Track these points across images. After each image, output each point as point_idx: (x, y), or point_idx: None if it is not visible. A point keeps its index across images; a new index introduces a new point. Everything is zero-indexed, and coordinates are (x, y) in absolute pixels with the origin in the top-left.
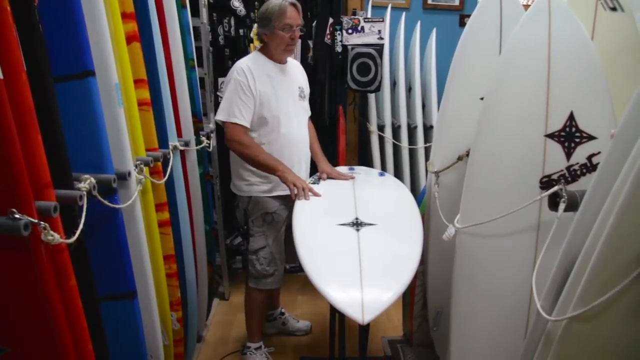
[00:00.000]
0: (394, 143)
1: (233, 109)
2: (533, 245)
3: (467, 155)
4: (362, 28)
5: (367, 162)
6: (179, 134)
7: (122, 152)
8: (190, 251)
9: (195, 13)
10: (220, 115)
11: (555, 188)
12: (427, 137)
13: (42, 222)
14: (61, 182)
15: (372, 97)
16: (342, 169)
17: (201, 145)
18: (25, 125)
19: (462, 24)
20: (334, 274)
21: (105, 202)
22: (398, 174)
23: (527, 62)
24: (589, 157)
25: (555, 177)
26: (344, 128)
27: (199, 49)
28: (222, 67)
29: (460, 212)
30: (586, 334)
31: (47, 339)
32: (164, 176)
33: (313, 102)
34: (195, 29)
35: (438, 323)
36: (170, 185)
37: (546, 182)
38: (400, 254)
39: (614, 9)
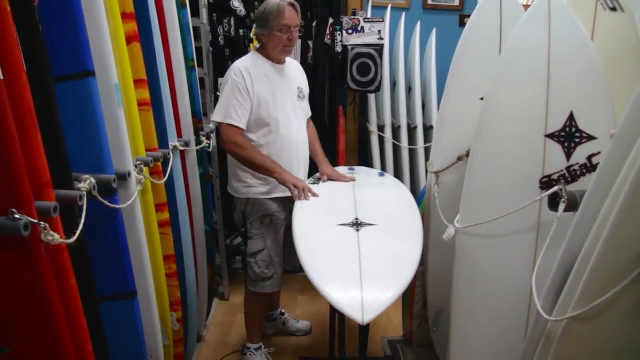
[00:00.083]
0: (393, 143)
1: (229, 109)
2: (533, 245)
3: (467, 155)
4: (362, 28)
5: (366, 162)
6: (179, 134)
7: (122, 152)
8: (190, 251)
9: (195, 13)
10: (216, 116)
11: (555, 188)
12: (427, 137)
13: (42, 222)
14: (61, 182)
15: (371, 97)
16: (342, 169)
17: (201, 146)
18: (25, 125)
19: (462, 24)
20: (334, 274)
21: (105, 202)
22: (398, 174)
23: (527, 62)
24: (589, 157)
25: (555, 177)
26: (343, 128)
27: (198, 49)
28: (221, 67)
29: (460, 212)
30: (586, 334)
31: (46, 339)
32: (164, 176)
33: (313, 102)
34: (195, 29)
35: (438, 323)
36: (170, 185)
37: (546, 182)
38: (400, 254)
39: (613, 9)
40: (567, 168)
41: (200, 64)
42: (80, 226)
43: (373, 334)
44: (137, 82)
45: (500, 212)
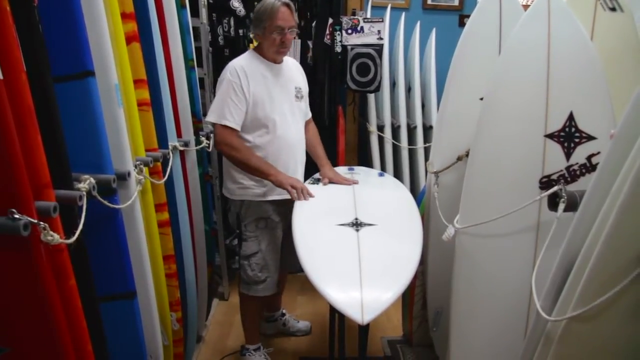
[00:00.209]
0: (393, 143)
1: (224, 110)
2: (533, 246)
3: (467, 155)
4: (362, 28)
5: (366, 162)
6: (179, 134)
7: (122, 152)
8: (190, 251)
9: (195, 13)
10: (211, 117)
11: (555, 188)
12: (427, 138)
13: (41, 222)
14: (61, 182)
15: (371, 98)
16: (342, 169)
17: (201, 146)
18: (25, 125)
19: (462, 24)
20: (334, 274)
21: (105, 202)
22: (397, 174)
23: (527, 63)
24: (589, 157)
25: (554, 177)
26: (343, 128)
27: (198, 49)
28: (221, 68)
29: (459, 212)
30: (586, 334)
31: (46, 339)
32: (164, 176)
33: (312, 102)
34: (195, 29)
35: (438, 323)
36: (169, 185)
37: (546, 182)
38: (400, 254)
39: (613, 9)
40: (567, 168)
41: (200, 64)
42: (80, 226)
43: (373, 334)
44: (136, 82)
45: (500, 212)
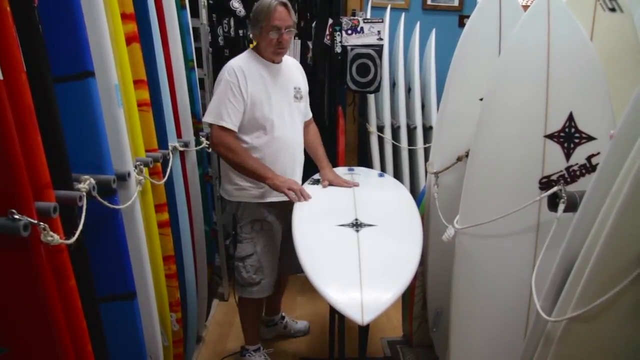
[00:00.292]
0: (393, 144)
1: (221, 111)
2: (532, 246)
3: (467, 156)
4: (362, 29)
5: (366, 162)
6: (179, 135)
7: (122, 152)
8: (190, 252)
9: (195, 14)
10: (209, 118)
11: (555, 189)
12: (427, 138)
13: (41, 223)
14: (61, 182)
15: (371, 98)
16: (341, 170)
17: (201, 146)
18: (25, 125)
19: (462, 25)
20: (334, 275)
21: (105, 202)
22: (397, 175)
23: (527, 63)
24: (589, 158)
25: (554, 177)
26: (343, 129)
27: (198, 50)
28: (221, 68)
29: (459, 213)
30: (586, 335)
31: (46, 340)
32: (164, 177)
33: (312, 102)
34: (195, 29)
35: (438, 324)
36: (169, 186)
37: (546, 183)
38: (400, 255)
39: (613, 9)
40: (567, 169)
41: (200, 65)
42: (80, 227)
43: (373, 335)
44: (136, 82)
45: (500, 213)
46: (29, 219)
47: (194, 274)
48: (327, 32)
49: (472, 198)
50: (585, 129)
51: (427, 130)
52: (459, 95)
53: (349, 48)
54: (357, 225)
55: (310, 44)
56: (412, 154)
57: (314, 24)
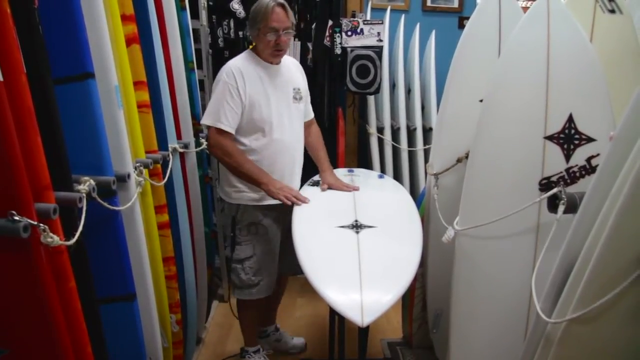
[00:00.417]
0: (393, 145)
1: (219, 113)
2: (532, 247)
3: (467, 157)
4: (362, 30)
5: (366, 164)
6: (179, 136)
7: (122, 154)
8: (190, 253)
9: (195, 15)
10: (207, 120)
11: (555, 190)
12: (427, 139)
13: (41, 224)
14: (61, 184)
15: (371, 99)
16: (341, 171)
17: (200, 148)
18: (25, 127)
19: (461, 26)
20: (334, 276)
21: (105, 204)
22: (397, 176)
23: (526, 64)
24: (588, 159)
25: (554, 179)
26: (343, 130)
27: (198, 51)
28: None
29: (459, 214)
30: (586, 336)
31: (46, 341)
32: (164, 178)
33: (312, 103)
34: (195, 31)
35: (437, 325)
36: (169, 187)
37: (545, 184)
38: (400, 256)
39: (612, 11)
40: (567, 170)
41: (200, 66)
42: (80, 228)
43: (373, 336)
44: (136, 84)
45: (500, 214)
46: (29, 221)
47: (194, 275)
48: (327, 34)
49: (472, 199)
50: (585, 131)
51: (427, 131)
52: (458, 97)
53: (348, 49)
54: (357, 226)
55: (310, 45)
56: (412, 156)
57: (313, 26)
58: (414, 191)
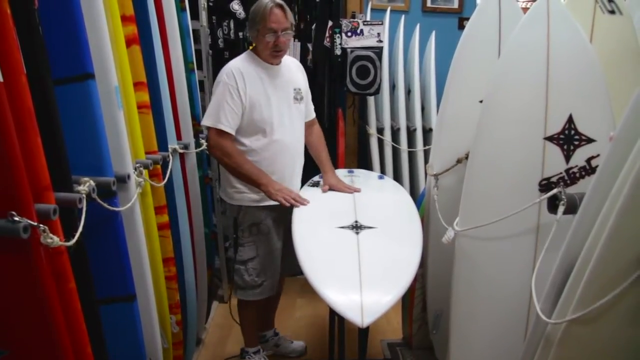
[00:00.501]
0: (393, 146)
1: (220, 114)
2: (532, 248)
3: (467, 158)
4: (362, 31)
5: (366, 165)
6: (179, 137)
7: (122, 154)
8: (190, 254)
9: (195, 16)
10: (207, 121)
11: (555, 191)
12: (427, 140)
13: (41, 225)
14: (61, 184)
15: (371, 100)
16: (341, 172)
17: (200, 148)
18: (25, 127)
19: (461, 27)
20: (334, 277)
21: (105, 204)
22: (397, 177)
23: (526, 65)
24: (588, 160)
25: (554, 179)
26: (343, 131)
27: (198, 52)
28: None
29: (459, 215)
30: (586, 337)
31: (45, 342)
32: (164, 179)
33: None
34: (195, 31)
35: (437, 326)
36: (169, 188)
37: (545, 185)
38: (400, 257)
39: (612, 12)
40: (567, 171)
41: (200, 67)
42: (80, 229)
43: (372, 337)
44: (136, 84)
45: (500, 215)
46: (29, 221)
47: (194, 276)
48: (327, 35)
49: (472, 200)
50: (584, 131)
51: (427, 132)
52: (458, 98)
53: (348, 50)
54: (357, 227)
55: (310, 46)
56: (411, 156)
57: (313, 26)
58: (413, 192)
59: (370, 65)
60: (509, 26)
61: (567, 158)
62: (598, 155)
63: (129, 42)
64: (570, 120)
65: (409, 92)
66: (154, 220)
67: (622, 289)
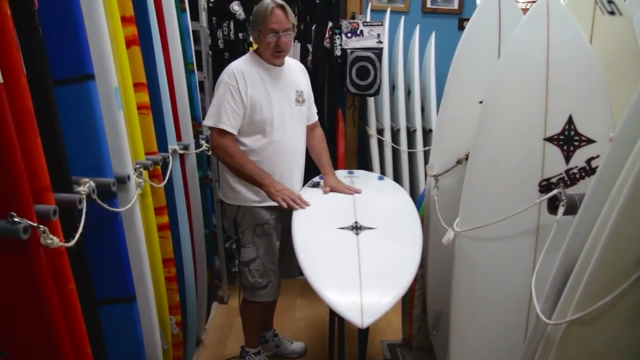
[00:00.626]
0: (393, 147)
1: (221, 114)
2: (532, 249)
3: (466, 158)
4: (362, 32)
5: (366, 165)
6: (179, 138)
7: (122, 155)
8: (190, 255)
9: (195, 17)
10: (209, 121)
11: (555, 191)
12: (426, 141)
13: (41, 226)
14: (61, 185)
15: (371, 101)
16: (341, 173)
17: (200, 149)
18: (25, 128)
19: (461, 28)
20: (334, 278)
21: (105, 205)
22: (397, 178)
23: (526, 66)
24: (588, 161)
25: (554, 180)
26: (343, 132)
27: (198, 53)
28: (221, 71)
29: (459, 216)
30: (586, 338)
31: (45, 343)
32: (163, 180)
33: None
34: (195, 32)
35: (437, 327)
36: (169, 188)
37: (545, 186)
38: (400, 258)
39: (612, 13)
40: (567, 171)
41: (199, 68)
42: (80, 230)
43: (372, 338)
44: (136, 85)
45: (500, 216)
46: (29, 222)
47: (194, 276)
48: (327, 35)
49: (472, 201)
50: (584, 132)
51: (427, 133)
52: (458, 98)
53: (348, 51)
54: (357, 228)
55: (310, 47)
56: (411, 157)
57: (313, 27)
58: (413, 193)
59: (370, 66)
60: (508, 27)
61: (567, 159)
62: (598, 156)
63: (129, 43)
64: (570, 121)
65: (408, 92)
66: (153, 221)
67: (622, 290)
